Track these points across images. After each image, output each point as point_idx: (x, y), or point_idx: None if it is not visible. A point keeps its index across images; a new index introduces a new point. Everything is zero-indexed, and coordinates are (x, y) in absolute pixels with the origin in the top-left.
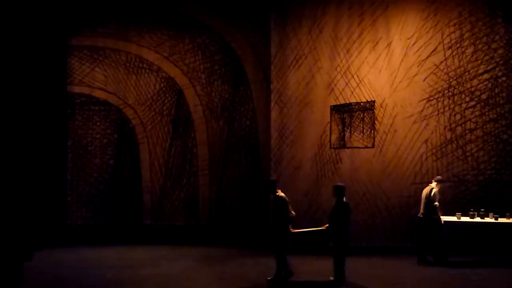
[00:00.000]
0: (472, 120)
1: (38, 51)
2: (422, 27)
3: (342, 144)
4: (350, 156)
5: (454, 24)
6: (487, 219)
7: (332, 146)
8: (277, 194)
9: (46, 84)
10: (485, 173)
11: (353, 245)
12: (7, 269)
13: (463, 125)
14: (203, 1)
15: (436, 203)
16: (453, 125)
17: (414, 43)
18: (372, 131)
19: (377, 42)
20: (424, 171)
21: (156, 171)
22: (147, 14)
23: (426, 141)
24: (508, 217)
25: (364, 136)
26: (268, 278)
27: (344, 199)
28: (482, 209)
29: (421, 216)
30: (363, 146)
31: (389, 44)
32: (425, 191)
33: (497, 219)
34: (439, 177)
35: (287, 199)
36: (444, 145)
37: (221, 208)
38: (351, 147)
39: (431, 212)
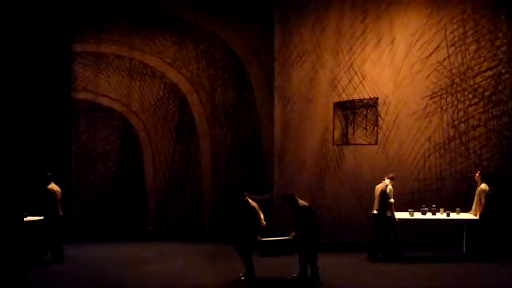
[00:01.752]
0: (475, 117)
1: (42, 58)
2: (425, 24)
3: (345, 140)
4: (353, 153)
5: (458, 21)
6: (438, 215)
7: (335, 143)
8: (246, 199)
9: (50, 90)
10: (488, 170)
11: (355, 241)
12: (12, 267)
13: (466, 122)
14: (206, 8)
15: (391, 199)
16: (456, 122)
17: (417, 40)
18: (375, 128)
19: (380, 39)
20: (427, 168)
21: (160, 177)
22: (150, 20)
23: (429, 138)
24: (458, 212)
25: (367, 132)
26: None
27: (300, 203)
28: (433, 205)
29: (376, 213)
30: (366, 143)
31: (392, 41)
32: (379, 188)
33: (448, 215)
34: (391, 174)
35: (257, 206)
36: (447, 142)
37: (225, 214)
38: (354, 144)
39: (385, 209)
